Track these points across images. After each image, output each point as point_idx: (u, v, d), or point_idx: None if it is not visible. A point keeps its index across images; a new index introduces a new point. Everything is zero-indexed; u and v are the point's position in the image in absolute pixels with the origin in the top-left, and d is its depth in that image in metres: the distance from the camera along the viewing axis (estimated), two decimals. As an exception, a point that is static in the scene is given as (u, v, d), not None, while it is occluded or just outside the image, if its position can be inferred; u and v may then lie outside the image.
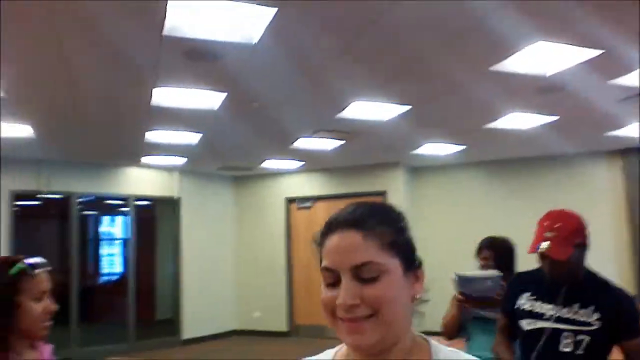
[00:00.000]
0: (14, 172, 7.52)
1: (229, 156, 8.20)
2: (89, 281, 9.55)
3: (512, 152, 8.22)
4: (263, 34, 3.52)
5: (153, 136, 6.54)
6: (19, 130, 5.91)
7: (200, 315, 9.13)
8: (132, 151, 7.54)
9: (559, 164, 8.40)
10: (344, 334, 0.87)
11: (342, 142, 7.10)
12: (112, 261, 10.27)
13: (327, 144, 7.24)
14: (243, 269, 9.93)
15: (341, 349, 0.99)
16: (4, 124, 5.67)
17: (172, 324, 9.12)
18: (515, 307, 2.41)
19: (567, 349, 2.21)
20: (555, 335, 2.25)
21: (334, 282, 0.88)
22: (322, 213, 9.13)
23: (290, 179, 9.68)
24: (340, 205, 0.98)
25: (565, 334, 2.23)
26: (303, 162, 8.77)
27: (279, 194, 9.78)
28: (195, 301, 9.16)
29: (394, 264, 0.87)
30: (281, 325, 9.48)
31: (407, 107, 5.45)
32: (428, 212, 9.13)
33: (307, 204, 9.52)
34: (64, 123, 5.87)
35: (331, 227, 0.91)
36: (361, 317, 0.85)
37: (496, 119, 6.06)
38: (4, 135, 6.02)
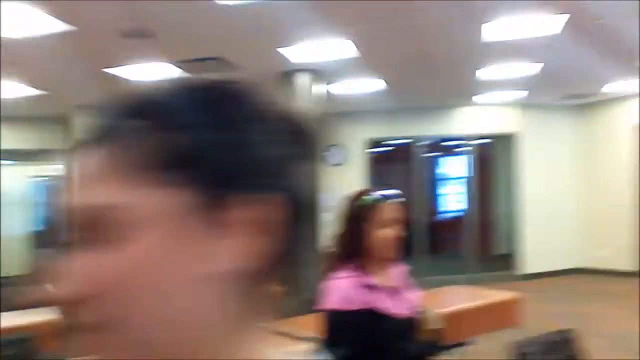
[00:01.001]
0: (368, 122, 8.70)
1: (571, 83, 7.76)
2: (431, 217, 10.36)
3: None
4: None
5: (485, 73, 6.67)
6: (373, 84, 6.77)
7: (541, 251, 9.01)
8: (467, 90, 7.82)
9: None
10: None
11: None
12: (451, 199, 10.94)
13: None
14: (587, 204, 9.36)
15: None
16: (359, 80, 6.60)
17: (510, 259, 9.28)
18: None
19: None
20: None
21: None
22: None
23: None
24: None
25: None
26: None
27: (627, 120, 8.80)
28: (536, 237, 9.06)
29: (153, 203, 0.42)
30: (630, 264, 8.66)
31: None
32: None
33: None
34: (408, 72, 6.50)
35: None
36: (86, 326, 0.43)
37: None
38: (360, 91, 7.00)
